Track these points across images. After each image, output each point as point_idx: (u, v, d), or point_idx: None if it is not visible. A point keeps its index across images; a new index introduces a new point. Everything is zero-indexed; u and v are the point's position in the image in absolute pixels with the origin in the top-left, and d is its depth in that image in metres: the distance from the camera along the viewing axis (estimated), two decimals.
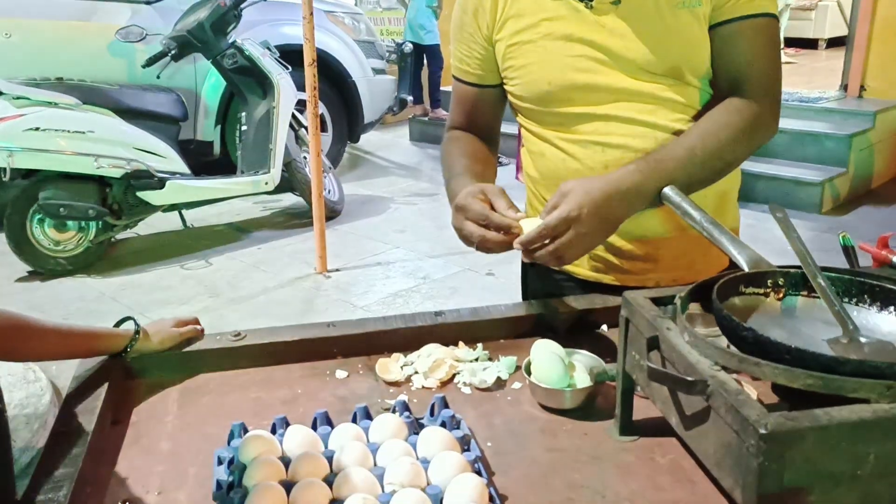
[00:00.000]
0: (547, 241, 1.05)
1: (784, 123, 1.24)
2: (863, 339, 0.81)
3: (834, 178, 4.62)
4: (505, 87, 1.29)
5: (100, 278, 3.82)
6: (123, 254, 4.15)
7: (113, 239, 4.05)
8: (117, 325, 1.13)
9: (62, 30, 4.49)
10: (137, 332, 1.11)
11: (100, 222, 3.82)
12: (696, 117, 1.19)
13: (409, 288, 3.73)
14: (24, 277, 3.79)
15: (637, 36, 1.16)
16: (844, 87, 5.33)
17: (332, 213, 4.53)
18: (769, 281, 0.94)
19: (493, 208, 1.09)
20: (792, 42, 8.15)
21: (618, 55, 1.16)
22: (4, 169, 3.48)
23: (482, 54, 1.28)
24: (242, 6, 4.25)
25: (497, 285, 3.64)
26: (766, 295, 0.94)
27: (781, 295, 0.94)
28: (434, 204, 5.01)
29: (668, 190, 1.09)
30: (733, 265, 0.98)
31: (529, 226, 1.06)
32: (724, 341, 0.85)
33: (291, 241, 4.36)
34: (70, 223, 3.77)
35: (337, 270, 3.92)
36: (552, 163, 1.26)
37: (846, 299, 0.90)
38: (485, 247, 1.07)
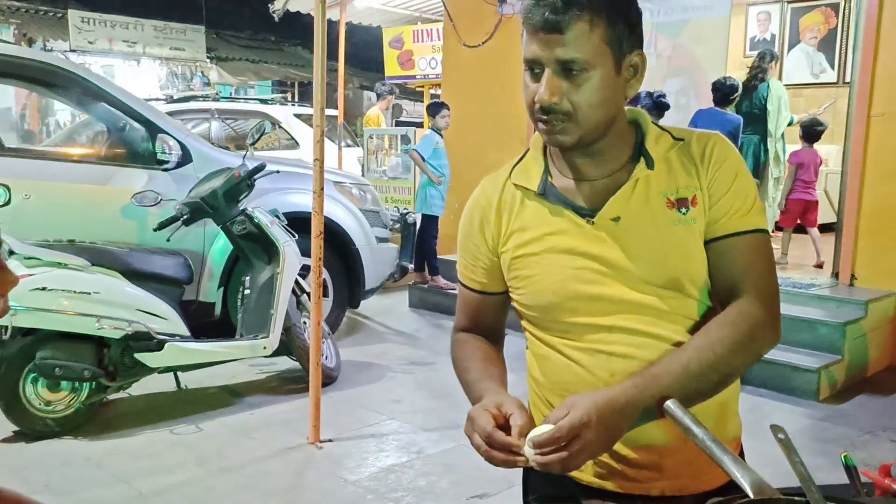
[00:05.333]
0: (556, 447, 1.07)
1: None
2: None
3: (830, 365, 4.63)
4: (511, 294, 1.34)
5: (86, 441, 3.73)
6: (113, 416, 4.08)
7: (104, 400, 4.00)
8: None
9: (79, 193, 4.65)
10: None
11: (93, 383, 3.78)
12: (695, 328, 1.23)
13: (402, 463, 3.64)
14: (9, 438, 3.71)
15: (636, 250, 1.22)
16: (836, 275, 5.45)
17: (328, 380, 4.50)
18: None
19: (507, 422, 1.12)
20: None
21: (619, 267, 1.22)
22: (6, 327, 3.50)
23: (487, 265, 1.34)
24: (256, 177, 4.43)
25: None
26: None
27: None
28: (430, 374, 4.99)
29: (670, 404, 1.11)
30: None
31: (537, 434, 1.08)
32: None
33: (284, 408, 4.30)
34: (63, 383, 3.74)
35: (329, 441, 3.84)
36: (557, 367, 1.29)
37: None
38: (491, 462, 1.09)
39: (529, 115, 1.23)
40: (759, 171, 6.76)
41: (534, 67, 1.18)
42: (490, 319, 1.40)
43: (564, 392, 1.29)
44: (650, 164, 1.23)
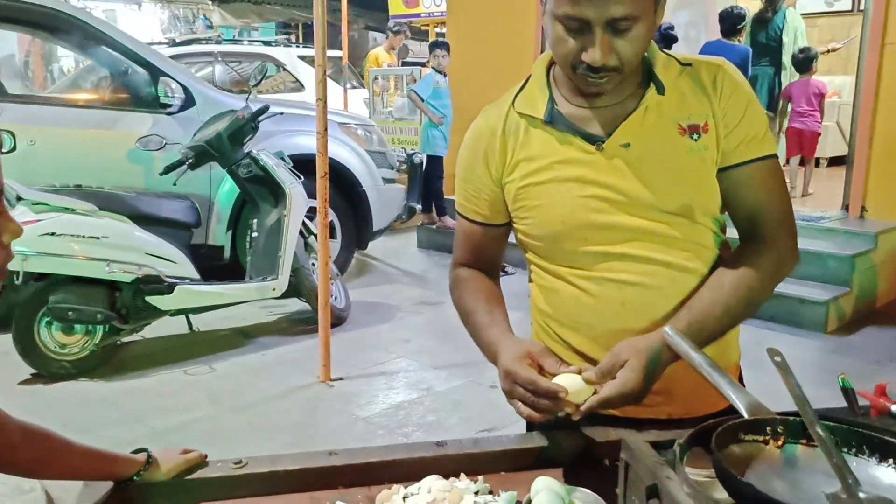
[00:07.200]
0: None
1: None
2: (862, 495, 0.82)
3: (838, 297, 4.64)
4: (514, 225, 1.33)
5: (102, 382, 3.81)
6: (127, 358, 4.15)
7: (118, 343, 4.06)
8: (134, 452, 1.14)
9: (85, 138, 4.64)
10: (149, 461, 1.12)
11: (107, 326, 3.84)
12: (707, 257, 1.24)
13: (411, 400, 3.70)
14: (27, 380, 3.78)
15: (647, 176, 1.21)
16: (846, 208, 5.41)
17: (337, 320, 4.55)
18: (768, 428, 0.95)
19: (541, 369, 1.15)
20: None
21: (629, 195, 1.21)
22: (17, 272, 3.54)
23: (490, 196, 1.33)
24: (260, 119, 4.41)
25: (501, 399, 3.59)
26: (766, 442, 0.95)
27: (781, 443, 0.94)
28: (439, 313, 5.03)
29: (668, 330, 1.11)
30: None
31: (567, 380, 1.12)
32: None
33: (295, 349, 4.36)
34: (77, 327, 3.79)
35: (340, 379, 3.91)
36: (566, 299, 1.29)
37: (845, 450, 0.91)
38: (535, 410, 1.12)
39: (565, 68, 1.19)
40: (773, 103, 6.65)
41: (573, 24, 1.13)
42: (490, 253, 1.40)
43: (574, 323, 1.29)
44: (661, 90, 1.21)
